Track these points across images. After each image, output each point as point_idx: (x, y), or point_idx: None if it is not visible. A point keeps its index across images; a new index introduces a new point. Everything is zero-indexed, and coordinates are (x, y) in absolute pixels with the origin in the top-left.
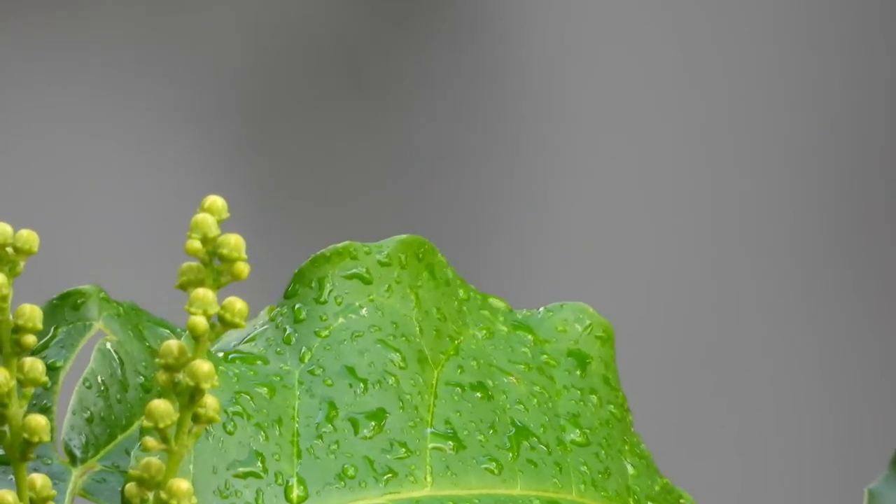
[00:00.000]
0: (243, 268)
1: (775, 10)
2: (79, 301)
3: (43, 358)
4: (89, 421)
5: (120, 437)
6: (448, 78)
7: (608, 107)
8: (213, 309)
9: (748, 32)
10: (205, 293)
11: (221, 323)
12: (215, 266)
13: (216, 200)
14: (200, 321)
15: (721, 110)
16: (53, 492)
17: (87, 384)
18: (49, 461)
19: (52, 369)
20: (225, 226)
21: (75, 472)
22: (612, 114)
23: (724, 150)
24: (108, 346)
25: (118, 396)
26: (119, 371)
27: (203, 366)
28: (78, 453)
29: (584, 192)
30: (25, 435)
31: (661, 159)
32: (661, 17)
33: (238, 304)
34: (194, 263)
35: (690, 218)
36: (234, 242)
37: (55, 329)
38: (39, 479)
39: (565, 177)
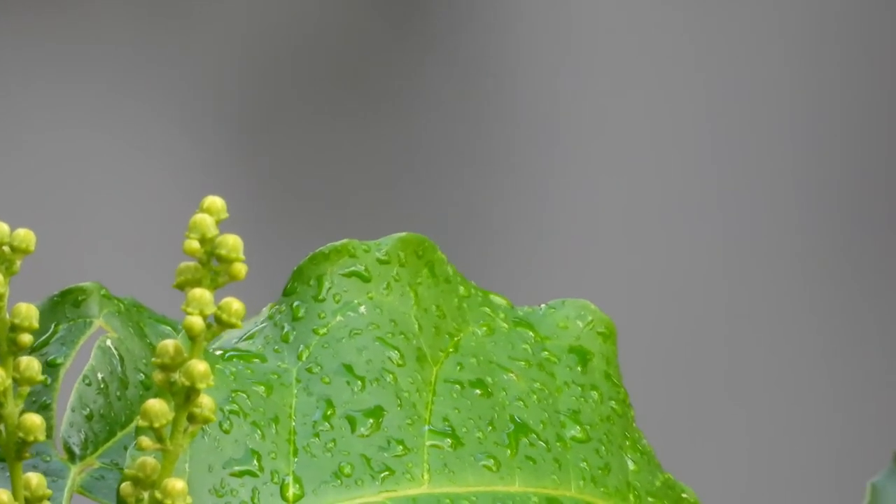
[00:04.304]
0: (241, 268)
1: (779, 11)
2: (80, 298)
3: (43, 355)
4: (89, 418)
5: (119, 435)
6: (449, 77)
7: (609, 105)
8: (210, 309)
9: (752, 33)
10: (202, 293)
11: (218, 323)
12: (213, 266)
13: (215, 201)
14: (197, 321)
15: (723, 107)
16: (49, 491)
17: (87, 381)
18: (48, 458)
19: (52, 366)
20: (224, 225)
21: (74, 469)
22: (614, 112)
23: (725, 144)
24: (109, 343)
25: (118, 394)
26: (119, 368)
27: (199, 366)
28: (77, 450)
29: (586, 189)
30: (21, 434)
31: (662, 155)
32: (660, 17)
33: (235, 304)
34: (192, 263)
35: (693, 214)
36: (233, 243)
37: (56, 326)
38: (35, 479)
39: (567, 174)
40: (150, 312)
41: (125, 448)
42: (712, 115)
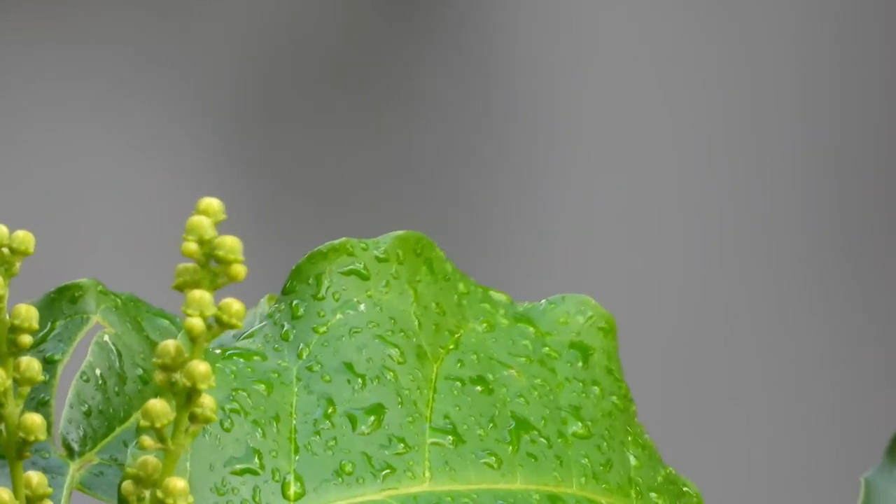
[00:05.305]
0: (240, 269)
1: (779, 11)
2: (76, 294)
3: (41, 352)
4: (87, 414)
5: (118, 430)
6: (449, 76)
7: (609, 105)
8: (210, 310)
9: (752, 33)
10: (201, 295)
11: (218, 324)
12: (212, 267)
13: (212, 202)
14: (197, 323)
15: (723, 107)
16: (50, 489)
17: (85, 377)
18: (46, 455)
19: (49, 363)
20: (223, 225)
21: (73, 466)
22: (614, 112)
23: (725, 144)
24: (106, 338)
25: (116, 389)
26: (117, 363)
27: (200, 366)
28: (76, 447)
29: (586, 189)
30: (22, 434)
31: (662, 155)
32: (660, 17)
33: (235, 305)
34: (191, 265)
35: (693, 213)
36: (231, 244)
37: (53, 323)
38: (35, 477)
39: (567, 174)
40: (148, 306)
41: (124, 444)
42: (712, 115)
